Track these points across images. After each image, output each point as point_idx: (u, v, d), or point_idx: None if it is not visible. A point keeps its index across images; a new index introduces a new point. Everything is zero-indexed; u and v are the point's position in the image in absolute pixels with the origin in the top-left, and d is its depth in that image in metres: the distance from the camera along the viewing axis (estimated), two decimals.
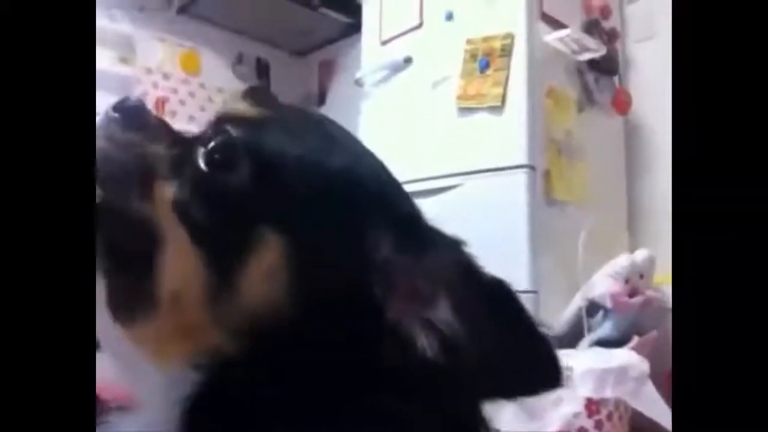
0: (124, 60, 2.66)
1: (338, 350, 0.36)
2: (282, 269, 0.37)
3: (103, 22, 2.55)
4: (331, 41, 3.15)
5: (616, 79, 2.05)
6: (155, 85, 2.79)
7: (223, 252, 0.38)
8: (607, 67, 1.98)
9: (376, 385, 0.36)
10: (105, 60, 2.55)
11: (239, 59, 3.13)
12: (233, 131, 0.40)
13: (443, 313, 0.35)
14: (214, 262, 0.37)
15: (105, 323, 0.39)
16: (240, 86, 3.10)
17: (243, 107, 0.43)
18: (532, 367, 0.38)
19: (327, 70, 3.19)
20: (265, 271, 0.37)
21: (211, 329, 0.37)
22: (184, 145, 0.42)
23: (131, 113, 0.44)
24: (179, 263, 0.38)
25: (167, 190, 0.40)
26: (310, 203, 0.39)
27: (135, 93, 2.67)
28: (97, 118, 0.43)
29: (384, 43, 2.16)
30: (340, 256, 0.38)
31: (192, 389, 0.36)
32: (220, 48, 3.05)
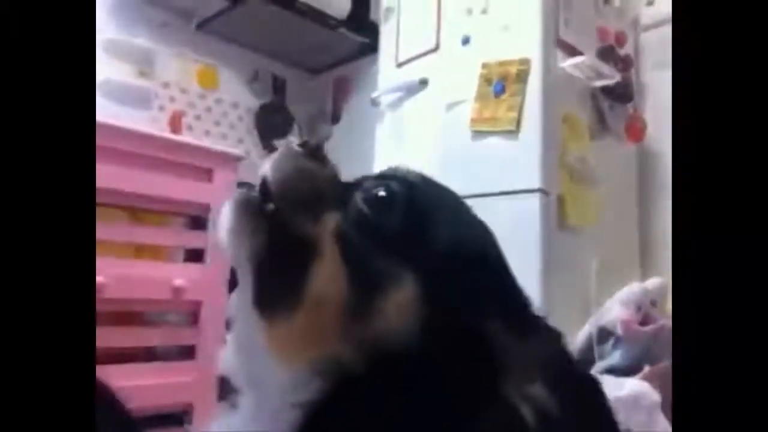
0: (142, 74, 2.70)
1: (450, 396, 0.40)
2: (411, 309, 0.43)
3: (123, 37, 2.59)
4: (347, 60, 3.18)
5: (630, 106, 2.06)
6: (172, 99, 2.83)
7: (367, 278, 0.44)
8: (621, 94, 1.99)
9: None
10: (124, 73, 2.59)
11: (255, 76, 3.17)
12: (393, 186, 0.48)
13: (541, 390, 0.40)
14: (359, 284, 0.44)
15: (244, 320, 0.47)
16: (256, 102, 3.15)
17: (404, 170, 0.52)
18: None
19: (342, 88, 3.23)
20: (399, 305, 0.43)
21: (341, 341, 0.42)
22: (346, 186, 0.51)
23: (313, 151, 0.52)
24: (329, 276, 0.44)
25: (332, 218, 0.47)
26: (445, 262, 0.45)
27: (152, 106, 2.71)
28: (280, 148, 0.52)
29: (400, 65, 2.18)
30: (461, 315, 0.43)
31: (313, 395, 0.41)
32: (237, 64, 3.09)
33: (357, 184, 0.50)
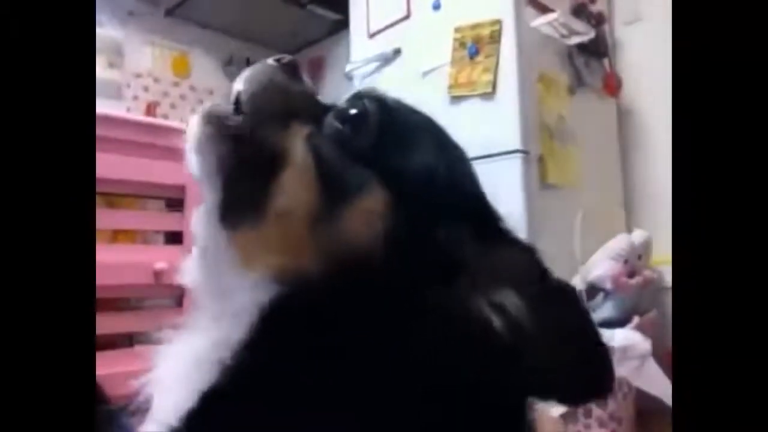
0: (112, 65, 2.65)
1: (410, 306, 0.40)
2: (380, 219, 0.43)
3: None
4: (320, 39, 3.15)
5: (605, 61, 2.05)
6: (146, 89, 2.79)
7: (337, 188, 0.44)
8: (596, 50, 1.98)
9: (443, 341, 0.39)
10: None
11: (229, 60, 3.13)
12: (368, 104, 0.48)
13: (512, 299, 0.39)
14: (327, 194, 0.44)
15: (209, 232, 0.47)
16: (231, 87, 3.10)
17: (380, 91, 0.51)
18: (589, 373, 0.40)
19: (316, 67, 3.19)
20: (366, 215, 0.43)
21: (305, 251, 0.43)
22: (322, 107, 0.51)
23: (289, 67, 0.52)
24: (297, 185, 0.45)
25: (303, 130, 0.48)
26: (416, 178, 0.45)
27: (124, 97, 2.66)
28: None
29: (372, 35, 2.16)
30: (428, 228, 0.43)
31: (270, 298, 0.41)
32: (210, 50, 3.05)
33: (333, 105, 0.50)
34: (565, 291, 0.41)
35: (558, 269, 1.56)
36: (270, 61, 0.52)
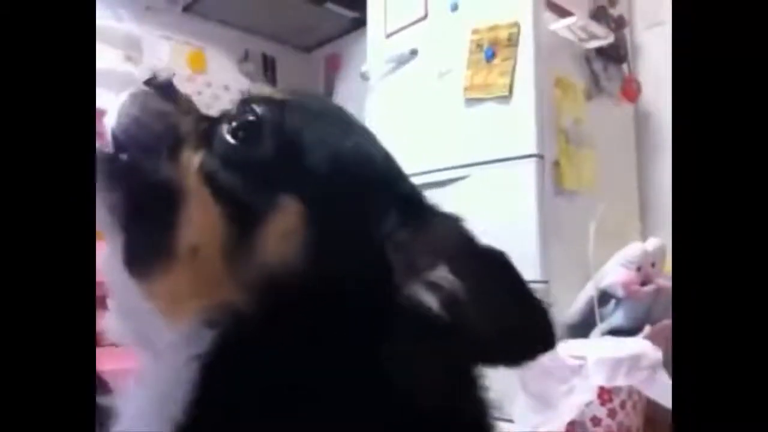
0: (129, 59, 2.66)
1: (349, 312, 0.39)
2: (298, 233, 0.40)
3: (109, 21, 2.56)
4: (337, 36, 3.14)
5: (624, 66, 2.03)
6: None
7: (243, 213, 0.41)
8: (614, 54, 1.96)
9: (386, 344, 0.38)
10: (111, 59, 2.56)
11: (245, 56, 3.13)
12: (259, 110, 0.45)
13: (444, 275, 0.38)
14: (235, 221, 0.41)
15: (118, 281, 0.44)
16: (246, 83, 3.11)
17: (268, 90, 0.48)
18: (529, 330, 0.39)
19: (333, 65, 3.19)
20: (283, 232, 0.40)
21: (227, 285, 0.40)
22: (209, 120, 0.47)
23: (163, 88, 0.48)
24: (200, 219, 0.42)
25: (194, 157, 0.44)
26: (326, 177, 0.42)
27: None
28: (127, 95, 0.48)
29: (389, 35, 2.15)
30: (351, 226, 0.41)
31: (207, 346, 0.39)
32: (226, 45, 3.06)
33: (221, 117, 0.47)
34: (494, 255, 0.39)
35: (571, 275, 1.55)
36: (141, 86, 0.48)
